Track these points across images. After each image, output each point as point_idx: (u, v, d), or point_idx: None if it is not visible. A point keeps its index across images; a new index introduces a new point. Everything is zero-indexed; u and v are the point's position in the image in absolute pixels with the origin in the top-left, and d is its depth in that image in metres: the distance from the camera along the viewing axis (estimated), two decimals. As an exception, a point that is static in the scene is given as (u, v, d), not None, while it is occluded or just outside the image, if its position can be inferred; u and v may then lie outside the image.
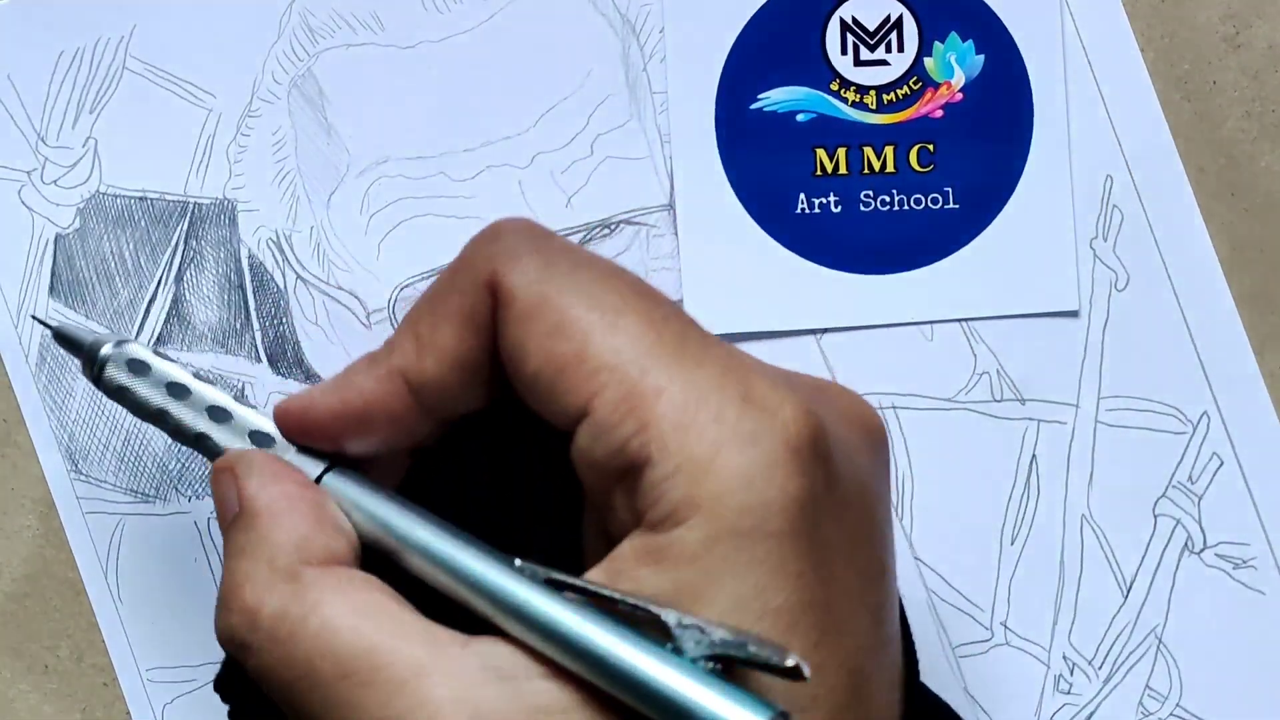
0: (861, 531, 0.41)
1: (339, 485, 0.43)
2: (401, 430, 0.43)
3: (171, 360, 0.46)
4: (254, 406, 0.46)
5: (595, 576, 0.40)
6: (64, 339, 0.48)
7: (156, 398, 0.46)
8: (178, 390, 0.46)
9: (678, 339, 0.40)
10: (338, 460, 0.44)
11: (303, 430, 0.44)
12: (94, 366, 0.47)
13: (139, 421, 0.54)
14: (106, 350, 0.46)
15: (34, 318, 0.54)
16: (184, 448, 0.54)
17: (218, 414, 0.46)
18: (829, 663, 0.39)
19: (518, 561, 0.40)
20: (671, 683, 0.37)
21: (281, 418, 0.44)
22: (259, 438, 0.45)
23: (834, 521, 0.39)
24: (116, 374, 0.46)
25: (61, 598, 0.55)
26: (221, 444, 0.45)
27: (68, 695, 0.55)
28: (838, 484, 0.40)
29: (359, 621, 0.40)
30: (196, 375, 0.46)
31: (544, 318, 0.40)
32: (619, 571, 0.39)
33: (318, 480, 0.44)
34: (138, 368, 0.46)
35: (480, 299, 0.41)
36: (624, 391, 0.39)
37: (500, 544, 0.41)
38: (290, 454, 0.44)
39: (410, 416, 0.43)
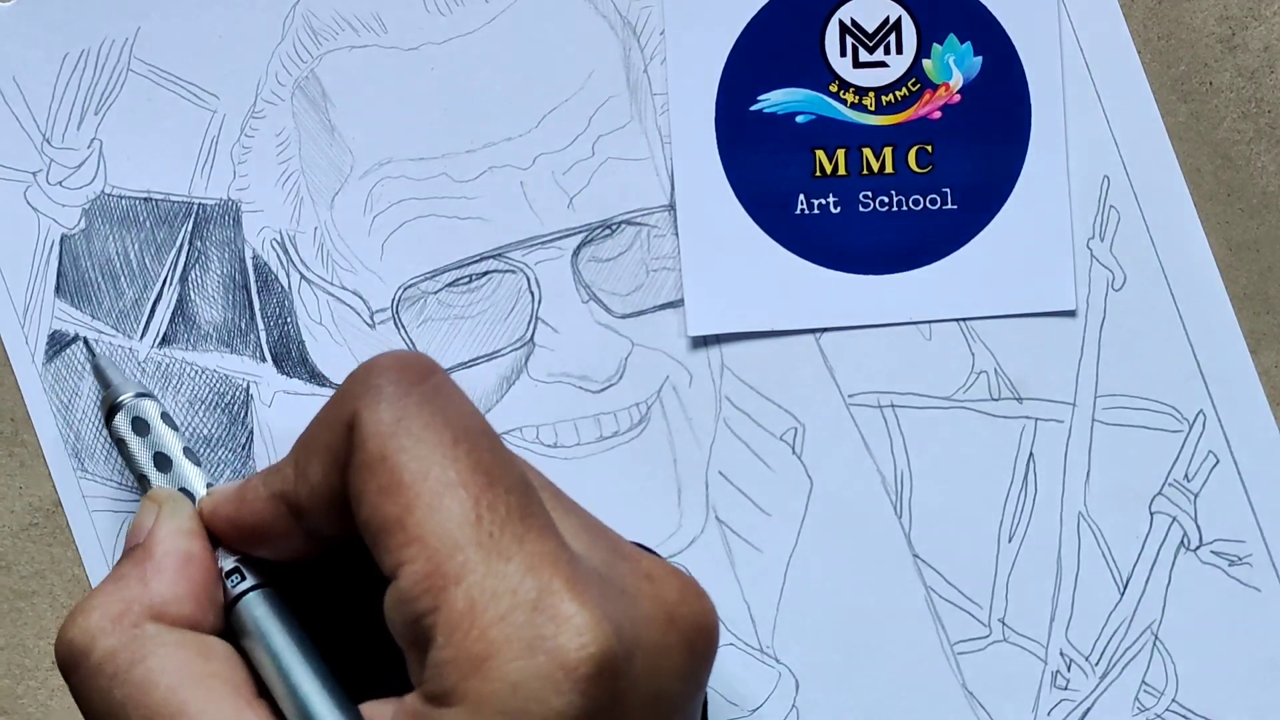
0: None
1: (250, 603, 0.46)
2: (290, 545, 0.46)
3: (175, 430, 0.50)
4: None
5: (380, 714, 0.42)
6: (97, 372, 0.53)
7: (141, 461, 0.50)
8: (162, 462, 0.50)
9: (498, 527, 0.40)
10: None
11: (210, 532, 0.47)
12: (106, 409, 0.51)
13: (145, 421, 0.55)
14: (124, 398, 0.51)
15: (84, 340, 0.55)
16: (189, 447, 0.55)
17: (185, 494, 0.49)
18: None
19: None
20: None
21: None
22: None
23: None
24: (120, 425, 0.50)
25: (69, 595, 0.55)
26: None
27: (74, 691, 0.55)
28: (623, 702, 0.40)
29: (179, 684, 0.43)
30: (186, 451, 0.50)
31: (380, 475, 0.41)
32: (400, 715, 0.41)
33: (227, 576, 0.46)
34: (140, 427, 0.50)
35: (342, 438, 0.42)
36: (429, 569, 0.40)
37: (360, 659, 0.45)
38: None
39: (294, 534, 0.45)
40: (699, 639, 0.43)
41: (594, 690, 0.39)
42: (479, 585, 0.39)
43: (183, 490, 0.49)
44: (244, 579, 0.46)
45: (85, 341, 0.55)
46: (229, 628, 0.46)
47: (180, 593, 0.45)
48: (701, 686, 0.43)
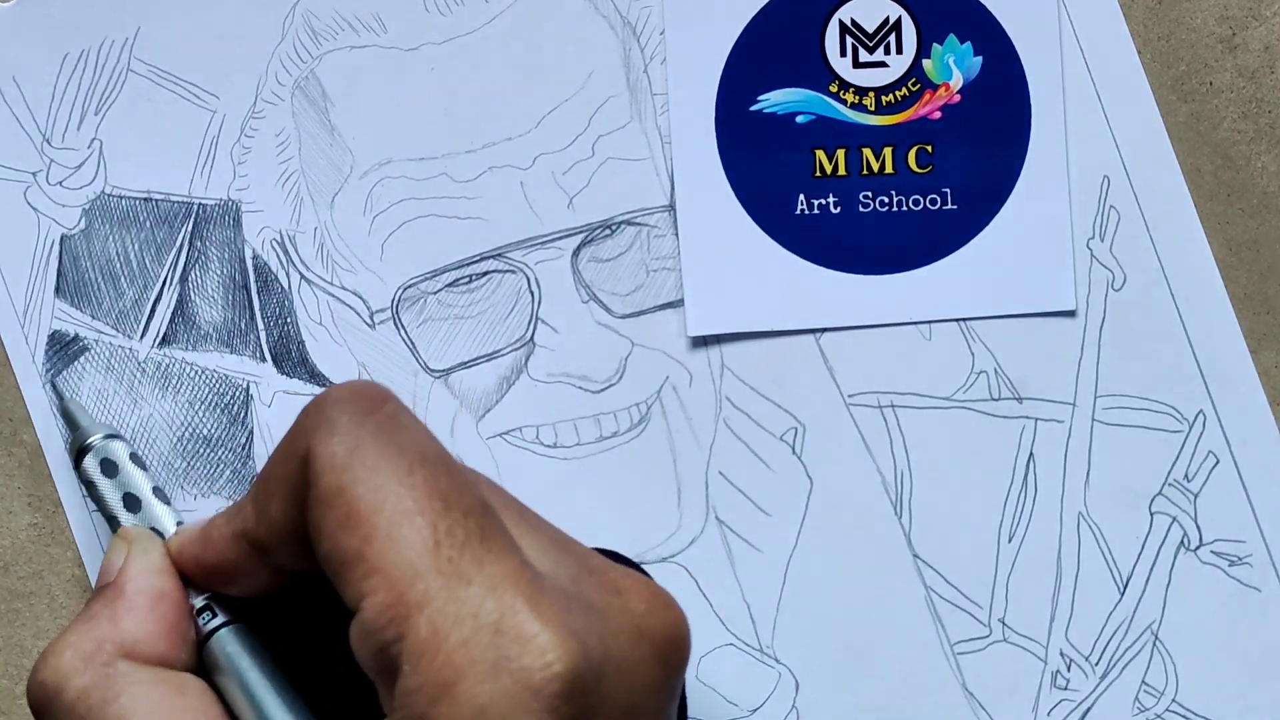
0: None
1: (222, 639, 0.46)
2: (256, 582, 0.46)
3: (144, 470, 0.51)
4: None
5: None
6: (65, 414, 0.54)
7: (111, 502, 0.50)
8: (131, 502, 0.50)
9: (457, 551, 0.40)
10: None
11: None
12: (75, 451, 0.52)
13: (144, 421, 0.55)
14: (92, 440, 0.51)
15: (50, 384, 0.55)
16: (189, 447, 0.55)
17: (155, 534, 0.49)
18: None
19: None
20: None
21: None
22: None
23: None
24: (90, 467, 0.51)
25: (67, 595, 0.55)
26: None
27: (74, 692, 0.55)
28: (594, 718, 0.40)
29: None
30: (156, 490, 0.50)
31: (337, 508, 0.41)
32: None
33: (198, 614, 0.47)
34: (109, 468, 0.51)
35: (299, 473, 0.42)
36: (390, 599, 0.40)
37: (333, 691, 0.45)
38: None
39: (260, 571, 0.45)
40: (670, 650, 0.42)
41: (563, 708, 0.39)
42: (441, 611, 0.39)
43: (153, 529, 0.49)
44: (215, 616, 0.46)
45: (53, 384, 0.55)
46: (201, 665, 0.46)
47: (152, 630, 0.45)
48: (675, 696, 0.43)
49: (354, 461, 0.41)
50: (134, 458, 0.51)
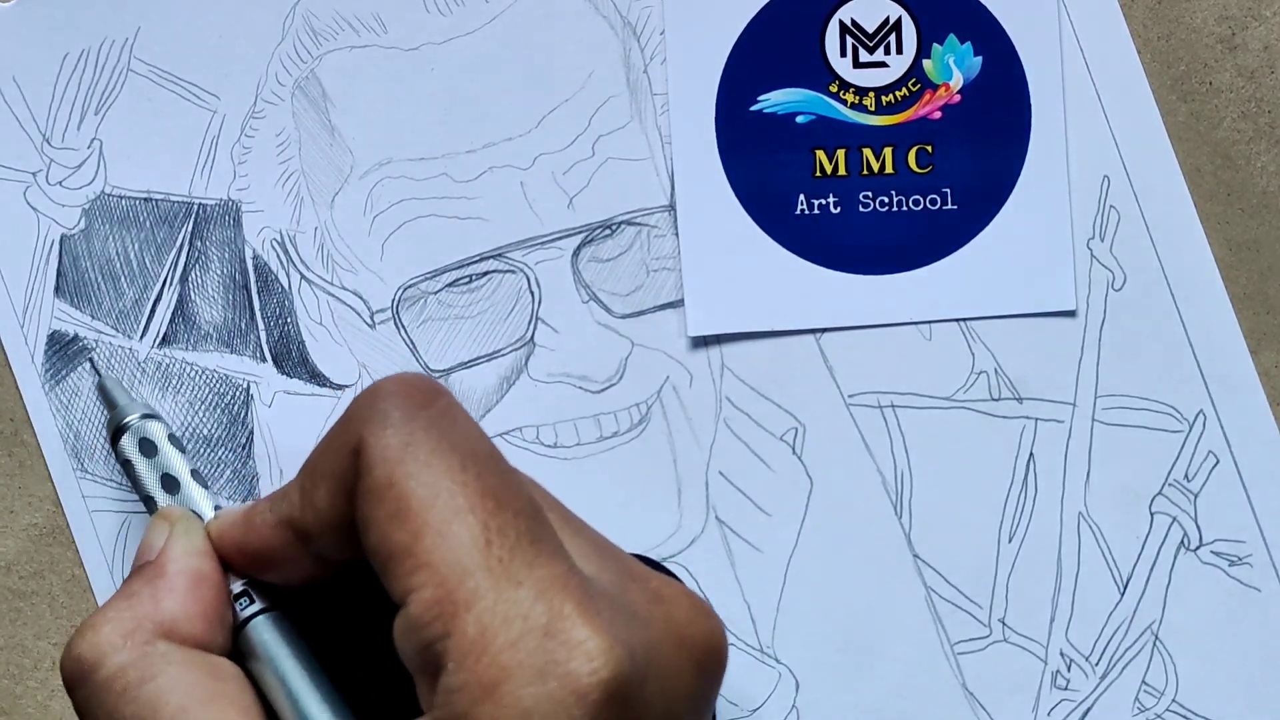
0: None
1: (259, 626, 0.46)
2: (297, 570, 0.46)
3: (182, 452, 0.50)
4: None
5: None
6: (103, 392, 0.53)
7: (149, 483, 0.50)
8: (169, 484, 0.50)
9: (508, 551, 0.40)
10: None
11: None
12: (112, 430, 0.51)
13: (145, 421, 0.55)
14: (130, 419, 0.51)
15: (89, 360, 0.55)
16: (189, 447, 0.55)
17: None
18: None
19: None
20: None
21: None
22: None
23: None
24: (127, 446, 0.50)
25: (68, 594, 0.56)
26: None
27: (74, 692, 0.55)
28: None
29: (188, 703, 0.43)
30: (194, 473, 0.50)
31: (387, 501, 0.41)
32: None
33: (236, 599, 0.46)
34: (147, 448, 0.50)
35: (348, 464, 0.42)
36: (439, 595, 0.40)
37: (369, 683, 0.45)
38: None
39: (303, 559, 0.45)
40: (708, 660, 0.43)
41: (606, 715, 0.39)
42: (490, 611, 0.39)
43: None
44: (253, 602, 0.46)
45: (91, 361, 0.55)
46: (236, 650, 0.46)
47: (192, 612, 0.45)
48: (710, 705, 0.43)
49: (406, 455, 0.41)
50: (172, 439, 0.51)
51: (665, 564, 0.55)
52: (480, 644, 0.39)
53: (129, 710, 0.43)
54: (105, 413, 0.52)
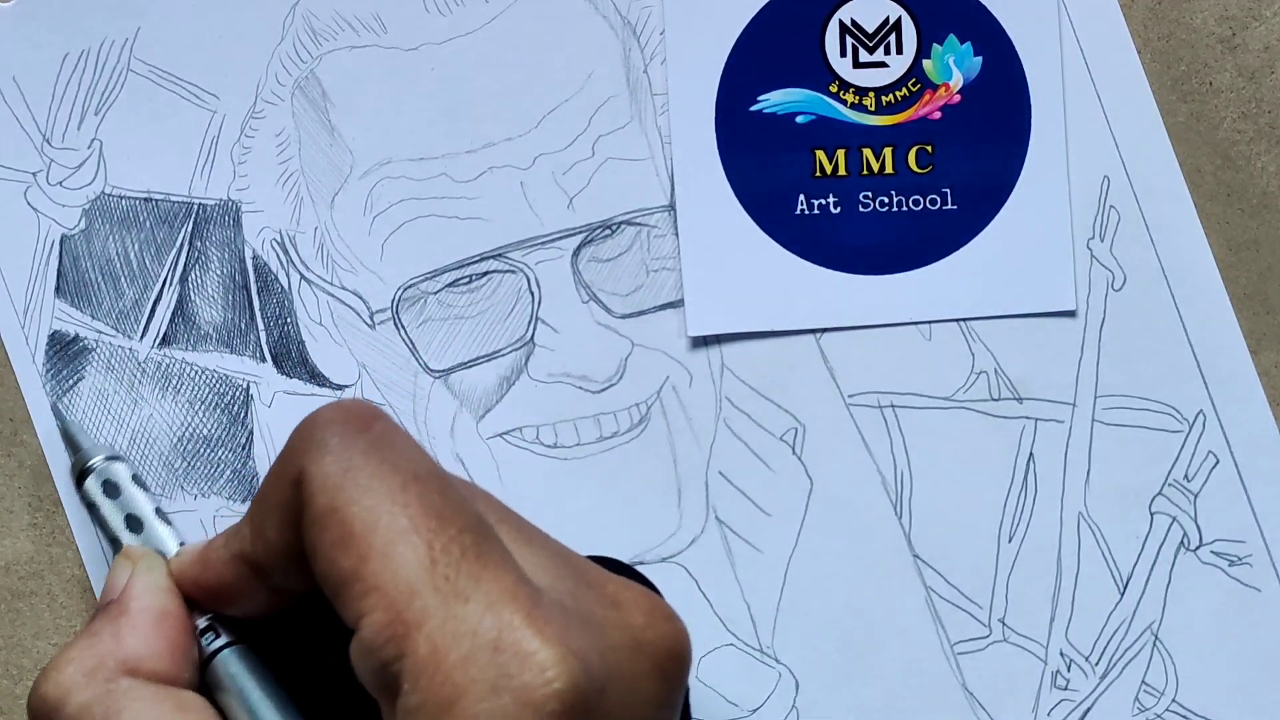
0: None
1: (225, 660, 0.46)
2: (256, 603, 0.46)
3: (146, 491, 0.51)
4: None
5: None
6: (65, 436, 0.54)
7: (114, 524, 0.50)
8: (134, 523, 0.50)
9: (453, 568, 0.40)
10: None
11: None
12: (76, 473, 0.52)
13: (144, 421, 0.55)
14: (94, 462, 0.51)
15: (52, 407, 0.55)
16: (189, 447, 0.55)
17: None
18: None
19: None
20: None
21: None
22: None
23: None
24: (92, 489, 0.51)
25: (67, 594, 0.56)
26: None
27: (74, 692, 0.55)
28: None
29: None
30: (158, 512, 0.50)
31: (331, 528, 0.41)
32: None
33: (201, 634, 0.47)
34: (110, 490, 0.51)
35: (292, 495, 0.43)
36: (389, 618, 0.40)
37: (339, 707, 0.45)
38: None
39: (260, 592, 0.45)
40: (669, 664, 0.42)
41: None
42: (439, 629, 0.39)
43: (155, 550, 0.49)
44: (218, 636, 0.46)
45: (54, 408, 0.55)
46: (204, 684, 0.46)
47: (156, 649, 0.45)
48: (676, 709, 0.43)
49: (347, 482, 0.42)
50: (136, 479, 0.51)
51: (665, 564, 0.55)
52: (433, 663, 0.39)
53: None
54: (71, 457, 0.53)
